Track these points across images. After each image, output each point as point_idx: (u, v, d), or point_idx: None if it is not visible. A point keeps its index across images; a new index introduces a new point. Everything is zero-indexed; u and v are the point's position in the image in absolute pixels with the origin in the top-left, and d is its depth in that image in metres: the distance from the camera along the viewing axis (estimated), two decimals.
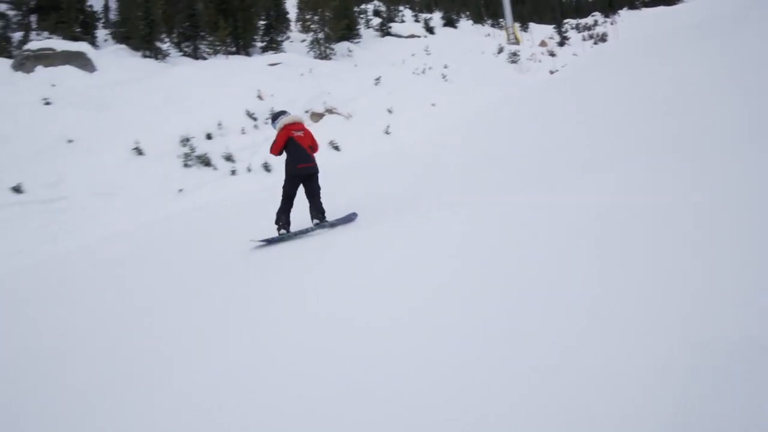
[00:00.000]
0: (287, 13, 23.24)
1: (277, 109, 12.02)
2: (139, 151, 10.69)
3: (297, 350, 2.98)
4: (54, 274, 6.92)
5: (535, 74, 21.19)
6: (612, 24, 30.06)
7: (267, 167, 11.54)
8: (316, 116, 13.94)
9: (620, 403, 1.98)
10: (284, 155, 6.42)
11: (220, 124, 12.17)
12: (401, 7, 29.34)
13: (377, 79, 17.61)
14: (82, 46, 16.74)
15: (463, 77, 19.59)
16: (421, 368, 2.48)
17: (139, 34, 17.86)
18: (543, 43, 28.32)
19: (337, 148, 12.87)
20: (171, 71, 15.58)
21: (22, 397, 3.34)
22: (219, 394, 2.71)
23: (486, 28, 32.32)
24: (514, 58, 22.91)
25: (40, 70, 15.57)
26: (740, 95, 7.33)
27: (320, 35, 20.39)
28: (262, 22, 20.83)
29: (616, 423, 1.91)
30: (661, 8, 37.79)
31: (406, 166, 10.68)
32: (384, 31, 26.06)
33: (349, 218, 6.25)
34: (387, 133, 14.09)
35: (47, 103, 11.46)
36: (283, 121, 6.44)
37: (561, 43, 26.44)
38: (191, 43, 18.99)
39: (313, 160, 6.35)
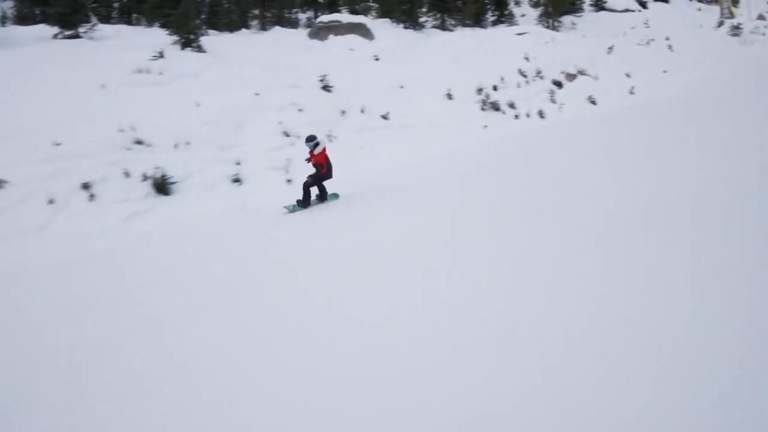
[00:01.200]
0: None
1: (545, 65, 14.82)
2: (449, 96, 14.07)
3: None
4: (421, 173, 10.18)
5: (762, 46, 21.96)
6: None
7: (541, 114, 14.44)
8: (570, 76, 16.57)
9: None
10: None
11: (502, 79, 15.27)
12: None
13: (610, 48, 19.75)
14: (362, 19, 20.75)
15: (689, 49, 21.05)
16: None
17: (401, 9, 21.54)
18: (761, 17, 28.29)
19: (593, 102, 15.43)
20: (433, 39, 19.06)
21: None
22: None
23: (696, 3, 32.55)
24: (735, 31, 23.66)
25: (332, 38, 19.58)
26: None
27: (550, 9, 22.83)
28: None
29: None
30: None
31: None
32: (599, 6, 27.79)
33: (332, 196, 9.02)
34: (631, 93, 16.34)
35: (376, 59, 15.26)
36: (322, 145, 8.68)
37: None
38: (441, 17, 22.37)
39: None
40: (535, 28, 20.85)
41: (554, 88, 15.67)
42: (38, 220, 7.61)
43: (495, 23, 24.35)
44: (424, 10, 22.93)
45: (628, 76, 17.63)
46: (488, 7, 23.85)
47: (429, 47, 17.81)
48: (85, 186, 8.21)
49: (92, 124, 9.44)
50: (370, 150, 11.44)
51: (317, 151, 8.57)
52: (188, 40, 14.00)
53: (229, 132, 10.56)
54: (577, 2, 25.78)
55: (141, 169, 8.93)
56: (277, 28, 21.83)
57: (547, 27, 23.30)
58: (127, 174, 8.72)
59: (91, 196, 8.14)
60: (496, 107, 14.27)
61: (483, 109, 14.15)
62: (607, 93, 16.16)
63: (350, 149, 11.22)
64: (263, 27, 22.38)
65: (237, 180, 9.51)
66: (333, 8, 22.98)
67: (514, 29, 20.74)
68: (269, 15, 23.42)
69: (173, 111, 10.51)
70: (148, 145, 9.47)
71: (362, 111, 12.51)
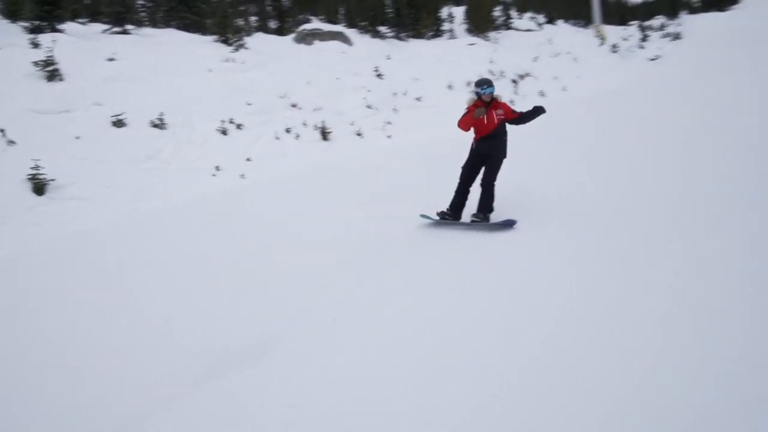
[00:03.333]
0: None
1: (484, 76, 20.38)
2: (450, 87, 19.12)
3: None
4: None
5: (638, 59, 29.54)
6: (680, 25, 38.25)
7: (513, 102, 19.92)
8: (521, 77, 22.31)
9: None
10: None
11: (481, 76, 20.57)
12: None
13: (535, 58, 25.99)
14: (339, 28, 25.24)
15: (588, 61, 27.96)
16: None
17: (367, 21, 26.37)
18: (625, 40, 36.56)
19: (543, 95, 21.26)
20: (403, 47, 24.13)
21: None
22: None
23: (575, 27, 40.64)
24: (614, 48, 31.23)
25: (318, 43, 23.92)
26: None
27: (477, 25, 28.96)
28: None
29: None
30: (713, 14, 45.43)
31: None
32: (507, 25, 34.46)
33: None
34: (564, 90, 22.45)
35: (389, 58, 19.94)
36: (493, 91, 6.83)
37: (643, 39, 34.62)
38: (398, 30, 27.46)
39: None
40: (478, 41, 26.62)
41: (513, 85, 21.26)
42: (274, 152, 11.56)
43: (433, 36, 29.87)
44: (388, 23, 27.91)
45: (555, 78, 23.79)
46: (440, 21, 29.32)
47: (409, 53, 22.77)
48: (287, 130, 12.19)
49: (253, 94, 13.29)
50: (423, 119, 16.14)
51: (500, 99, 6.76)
52: (232, 40, 17.61)
53: (334, 101, 14.77)
54: (495, 22, 32.12)
55: (305, 122, 13.00)
56: (260, 34, 25.56)
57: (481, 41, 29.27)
58: (304, 124, 12.76)
59: (297, 136, 12.17)
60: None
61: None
62: (548, 90, 22.08)
63: (414, 118, 15.85)
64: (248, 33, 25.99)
65: (359, 134, 13.79)
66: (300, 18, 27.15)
67: (464, 41, 26.36)
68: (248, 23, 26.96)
69: (291, 86, 14.52)
70: (300, 108, 13.49)
71: (404, 94, 17.15)
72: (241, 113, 12.50)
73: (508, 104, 6.83)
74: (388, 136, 14.22)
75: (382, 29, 27.11)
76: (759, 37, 24.01)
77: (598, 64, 27.89)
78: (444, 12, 31.88)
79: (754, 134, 9.12)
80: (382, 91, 16.44)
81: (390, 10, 27.81)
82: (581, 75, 25.21)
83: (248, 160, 11.19)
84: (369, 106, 15.33)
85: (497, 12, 34.81)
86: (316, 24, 25.35)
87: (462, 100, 19.20)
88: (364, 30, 26.75)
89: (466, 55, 23.07)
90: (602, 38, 37.45)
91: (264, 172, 10.81)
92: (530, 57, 26.20)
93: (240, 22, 26.27)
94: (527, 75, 22.72)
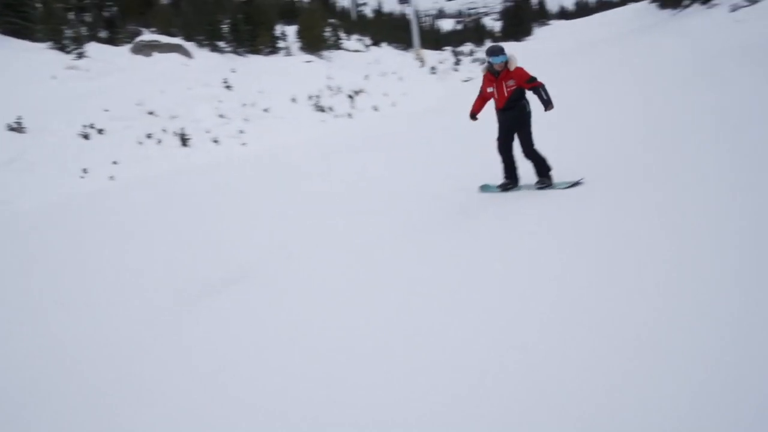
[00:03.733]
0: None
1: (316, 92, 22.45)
2: (294, 100, 20.60)
3: None
4: (270, 159, 16.93)
5: (453, 79, 33.37)
6: None
7: (350, 115, 21.95)
8: (356, 92, 24.46)
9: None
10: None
11: (320, 90, 22.32)
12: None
13: (366, 76, 28.45)
14: (178, 40, 25.57)
15: (412, 80, 31.10)
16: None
17: (204, 35, 27.00)
18: (441, 63, 40.81)
19: (377, 109, 23.58)
20: (246, 62, 25.23)
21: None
22: None
23: (397, 50, 44.31)
24: (433, 70, 34.94)
25: (156, 55, 24.29)
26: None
27: (309, 44, 30.90)
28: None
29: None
30: (511, 43, 52.00)
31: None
32: (337, 45, 36.81)
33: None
34: (393, 105, 25.03)
35: (234, 71, 20.89)
36: (515, 60, 6.29)
37: (457, 63, 38.99)
38: (235, 45, 28.36)
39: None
40: (314, 58, 28.46)
41: (349, 99, 23.34)
42: (138, 155, 12.17)
43: (270, 53, 31.16)
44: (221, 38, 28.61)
45: (385, 95, 26.35)
46: (276, 38, 30.61)
47: (251, 67, 23.91)
48: (149, 136, 12.87)
49: (108, 100, 13.73)
50: (273, 129, 17.42)
51: (513, 66, 6.30)
52: (70, 48, 17.65)
53: (189, 110, 15.55)
54: (327, 41, 34.26)
55: (164, 129, 13.71)
56: (94, 44, 24.97)
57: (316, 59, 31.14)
58: (164, 131, 13.47)
59: (159, 141, 12.89)
60: (322, 109, 21.30)
61: (316, 110, 21.04)
62: (380, 105, 24.48)
63: (264, 128, 17.06)
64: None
65: (216, 140, 14.75)
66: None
67: (301, 58, 28.03)
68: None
69: (145, 95, 15.06)
70: (157, 115, 14.14)
71: (253, 105, 18.32)
72: (101, 119, 12.89)
73: (524, 69, 6.25)
74: (243, 144, 15.33)
75: (220, 44, 27.84)
76: (543, 57, 28.76)
77: (420, 83, 31.13)
78: (277, 30, 33.34)
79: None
80: (232, 102, 17.48)
81: (226, 26, 28.64)
82: (407, 92, 28.10)
83: (115, 163, 11.69)
84: (221, 116, 16.30)
85: (327, 32, 37.10)
86: (151, 36, 25.39)
87: (304, 114, 20.87)
88: (201, 44, 27.27)
89: (304, 71, 24.73)
90: (422, 61, 41.40)
91: (132, 174, 11.43)
92: (361, 75, 28.57)
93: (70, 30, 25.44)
94: (361, 91, 24.94)
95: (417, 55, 41.51)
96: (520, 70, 6.23)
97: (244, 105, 17.89)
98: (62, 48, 17.65)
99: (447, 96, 27.90)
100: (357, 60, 34.44)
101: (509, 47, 6.52)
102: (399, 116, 22.14)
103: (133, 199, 9.70)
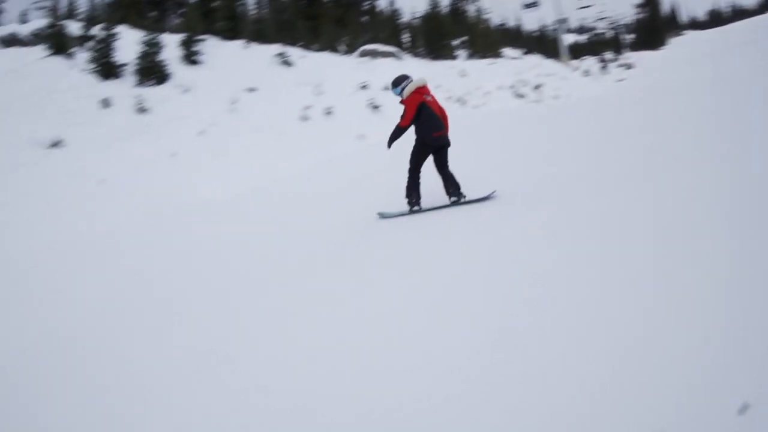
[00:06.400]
0: None
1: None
2: (500, 88, 26.46)
3: None
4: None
5: (604, 82, 38.18)
6: (629, 59, 47.90)
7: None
8: (537, 87, 30.02)
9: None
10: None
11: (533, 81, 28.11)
12: None
13: (537, 75, 33.93)
14: (391, 49, 32.38)
15: (572, 80, 36.24)
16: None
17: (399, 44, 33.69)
18: (590, 68, 45.65)
19: (557, 97, 29.00)
20: (438, 63, 31.56)
21: None
22: None
23: (546, 59, 49.64)
24: (586, 73, 39.89)
25: (377, 60, 30.91)
26: None
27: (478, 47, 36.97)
28: None
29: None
30: (648, 51, 55.42)
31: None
32: (499, 53, 42.67)
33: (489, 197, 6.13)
34: (569, 96, 30.33)
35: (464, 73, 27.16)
36: (412, 84, 6.18)
37: (604, 67, 43.66)
38: (428, 51, 34.87)
39: (446, 128, 6.27)
40: (495, 60, 34.47)
41: (535, 89, 28.86)
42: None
43: (447, 58, 37.47)
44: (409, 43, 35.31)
45: (556, 89, 31.68)
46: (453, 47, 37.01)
47: (449, 66, 30.15)
48: (535, 87, 19.09)
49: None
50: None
51: (407, 93, 6.16)
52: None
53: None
54: (494, 49, 40.26)
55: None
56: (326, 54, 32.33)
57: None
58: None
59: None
60: (521, 95, 26.98)
61: (516, 96, 26.76)
62: (560, 94, 29.80)
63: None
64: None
65: (376, 106, 20.77)
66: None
67: (482, 62, 34.12)
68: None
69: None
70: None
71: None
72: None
73: (407, 105, 6.15)
74: (484, 104, 21.26)
75: (418, 51, 34.49)
76: (687, 64, 32.94)
77: (580, 82, 36.23)
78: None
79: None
80: (467, 86, 23.57)
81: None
82: (574, 88, 33.31)
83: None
84: (460, 96, 22.39)
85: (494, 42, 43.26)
86: (373, 45, 32.49)
87: (507, 97, 26.62)
88: (408, 51, 34.01)
89: (490, 70, 30.73)
90: (570, 67, 46.46)
91: None
92: (532, 74, 34.15)
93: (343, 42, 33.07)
94: (541, 85, 30.49)
95: (565, 62, 46.65)
96: (407, 101, 6.16)
97: (476, 88, 23.97)
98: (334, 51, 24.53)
99: (607, 90, 32.83)
100: (520, 64, 40.13)
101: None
102: (579, 101, 27.39)
103: None
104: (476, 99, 22.75)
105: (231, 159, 10.87)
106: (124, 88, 13.59)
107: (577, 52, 58.71)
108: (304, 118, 14.09)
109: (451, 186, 6.21)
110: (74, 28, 16.56)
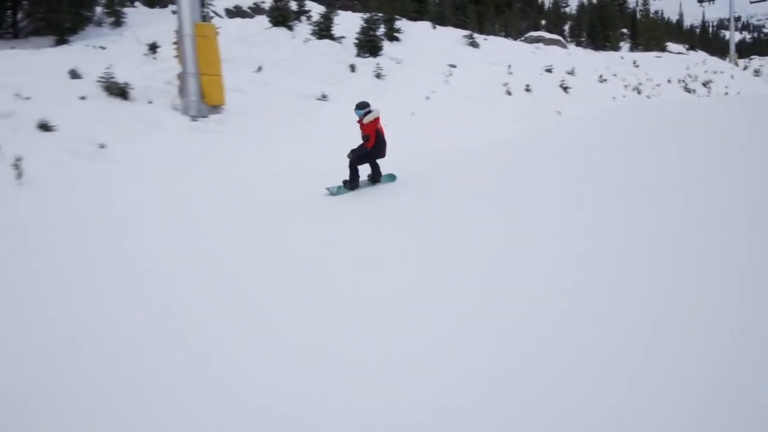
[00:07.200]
0: None
1: None
2: (669, 81, 26.90)
3: None
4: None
5: None
6: None
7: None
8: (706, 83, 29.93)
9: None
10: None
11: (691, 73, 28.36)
12: None
13: (705, 71, 33.57)
14: (556, 36, 33.45)
15: (741, 79, 35.36)
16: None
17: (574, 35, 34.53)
18: (756, 69, 43.78)
19: (727, 91, 28.85)
20: (606, 54, 32.11)
21: None
22: None
23: (714, 57, 48.07)
24: (756, 73, 38.59)
25: (543, 45, 32.03)
26: None
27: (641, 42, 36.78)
28: None
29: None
30: None
31: None
32: (664, 47, 42.16)
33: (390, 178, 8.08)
34: (738, 92, 29.96)
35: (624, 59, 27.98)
36: (372, 115, 7.59)
37: None
38: (590, 42, 35.49)
39: (386, 148, 7.87)
40: (661, 54, 34.51)
41: (703, 86, 28.86)
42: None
43: (610, 49, 37.76)
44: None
45: (726, 86, 31.29)
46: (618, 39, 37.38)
47: (608, 56, 30.78)
48: (704, 84, 20.34)
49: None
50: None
51: (367, 119, 7.54)
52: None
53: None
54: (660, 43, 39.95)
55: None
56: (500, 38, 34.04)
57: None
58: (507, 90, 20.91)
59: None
60: (689, 91, 27.25)
61: (685, 91, 27.08)
62: (729, 91, 29.56)
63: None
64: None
65: (566, 88, 21.73)
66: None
67: (650, 53, 34.27)
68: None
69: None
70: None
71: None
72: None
73: (368, 127, 7.51)
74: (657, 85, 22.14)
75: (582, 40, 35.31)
76: None
77: (750, 82, 35.31)
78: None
79: None
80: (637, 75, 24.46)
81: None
82: (743, 86, 32.69)
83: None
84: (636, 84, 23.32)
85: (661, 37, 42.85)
86: (539, 33, 33.76)
87: (676, 89, 27.00)
88: (571, 41, 34.93)
89: (659, 63, 30.95)
90: (737, 65, 44.87)
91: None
92: (701, 69, 33.82)
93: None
94: (710, 81, 30.36)
95: (733, 61, 45.08)
96: (366, 127, 7.53)
97: (647, 80, 24.78)
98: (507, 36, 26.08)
99: None
100: (687, 59, 39.62)
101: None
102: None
103: None
104: (648, 90, 23.65)
105: (457, 120, 13.11)
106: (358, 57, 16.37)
107: (744, 50, 56.10)
108: (508, 93, 16.09)
109: (376, 174, 7.94)
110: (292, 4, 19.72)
